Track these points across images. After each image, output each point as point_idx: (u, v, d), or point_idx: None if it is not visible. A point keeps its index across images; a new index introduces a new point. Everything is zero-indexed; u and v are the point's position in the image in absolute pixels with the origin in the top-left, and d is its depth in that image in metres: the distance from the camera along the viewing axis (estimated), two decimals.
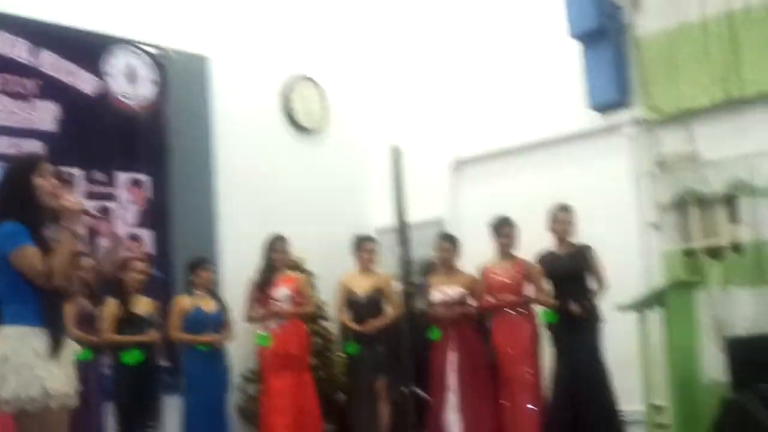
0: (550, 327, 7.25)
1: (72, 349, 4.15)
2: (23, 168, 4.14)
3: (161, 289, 8.21)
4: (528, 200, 7.96)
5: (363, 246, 8.01)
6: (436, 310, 7.55)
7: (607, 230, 7.72)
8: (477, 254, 7.81)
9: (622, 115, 8.17)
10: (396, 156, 8.96)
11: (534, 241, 7.50)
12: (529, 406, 7.20)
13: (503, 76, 9.13)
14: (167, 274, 8.34)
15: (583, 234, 7.40)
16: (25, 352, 3.90)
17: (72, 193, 4.18)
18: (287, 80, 9.72)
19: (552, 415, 7.13)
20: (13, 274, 3.96)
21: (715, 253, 7.44)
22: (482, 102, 9.21)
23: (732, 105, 7.49)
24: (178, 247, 8.38)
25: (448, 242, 7.80)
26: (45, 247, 4.00)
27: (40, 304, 3.96)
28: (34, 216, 4.03)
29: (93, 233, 7.93)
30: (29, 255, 3.94)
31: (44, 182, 4.08)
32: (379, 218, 9.47)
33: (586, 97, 8.26)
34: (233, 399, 8.59)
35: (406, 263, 8.76)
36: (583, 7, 8.05)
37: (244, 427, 8.38)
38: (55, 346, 3.95)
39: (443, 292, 7.56)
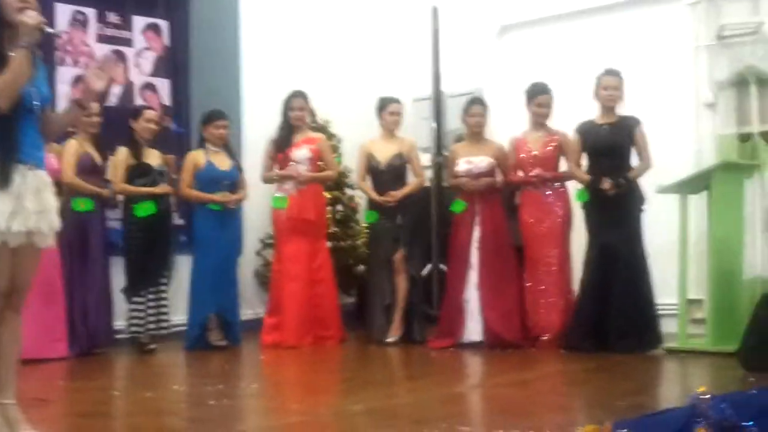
0: (584, 206, 6.69)
1: (41, 182, 3.70)
2: None
3: (178, 142, 7.83)
4: (579, 72, 7.31)
5: (386, 107, 7.42)
6: (460, 181, 7.02)
7: (658, 106, 7.25)
8: (518, 130, 7.21)
9: None
10: (435, 17, 8.33)
11: (582, 117, 6.87)
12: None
13: None
14: (185, 127, 7.92)
15: (632, 109, 6.74)
16: None
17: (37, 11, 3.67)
18: None
19: (580, 303, 6.65)
20: None
21: None
22: None
23: None
24: (197, 100, 7.93)
25: (477, 106, 7.16)
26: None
27: None
28: None
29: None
30: None
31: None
32: (416, 87, 8.88)
33: None
34: (251, 264, 8.30)
35: (438, 134, 8.25)
36: None
37: (261, 293, 8.07)
38: (1, 175, 3.52)
39: (469, 162, 7.01)
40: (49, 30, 3.88)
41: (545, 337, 6.73)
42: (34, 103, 3.66)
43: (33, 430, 3.76)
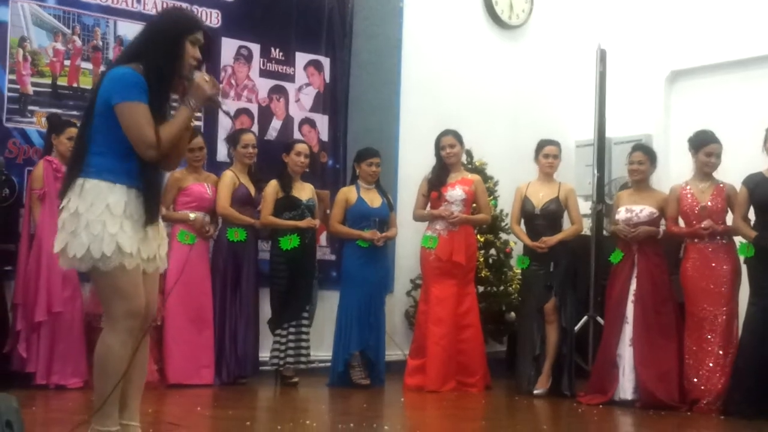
0: (747, 261, 6.23)
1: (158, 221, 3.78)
2: (183, 24, 3.70)
3: (333, 178, 7.87)
4: (754, 122, 6.83)
5: (541, 149, 7.18)
6: (618, 229, 6.68)
7: None
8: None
9: None
10: (602, 59, 8.04)
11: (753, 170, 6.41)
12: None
13: None
14: (340, 163, 7.96)
15: None
16: (98, 207, 3.54)
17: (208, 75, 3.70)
18: None
19: (739, 364, 6.16)
20: (116, 126, 3.56)
21: None
22: (706, 8, 8.08)
23: None
24: (354, 137, 7.97)
25: (638, 153, 6.80)
26: (161, 116, 3.62)
27: (139, 164, 3.58)
28: (166, 76, 3.62)
29: (267, 114, 7.66)
30: (141, 114, 3.54)
31: (191, 50, 3.66)
32: (580, 132, 8.62)
33: None
34: (401, 304, 8.20)
35: (600, 181, 7.92)
36: None
37: (410, 334, 7.91)
38: (150, 212, 3.60)
39: (630, 210, 6.67)
40: (223, 106, 3.90)
41: (704, 401, 6.27)
42: None
43: None
